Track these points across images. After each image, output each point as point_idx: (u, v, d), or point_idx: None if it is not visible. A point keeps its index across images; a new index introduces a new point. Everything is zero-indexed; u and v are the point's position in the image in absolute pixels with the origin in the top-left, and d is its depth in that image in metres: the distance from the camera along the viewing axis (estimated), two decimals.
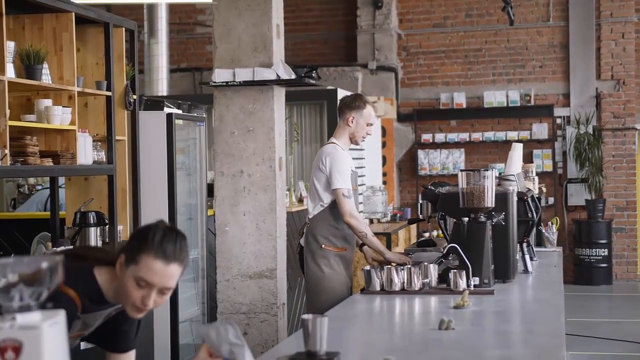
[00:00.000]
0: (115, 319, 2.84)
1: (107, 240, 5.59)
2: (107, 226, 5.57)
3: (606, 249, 12.21)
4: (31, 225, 6.21)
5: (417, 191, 12.91)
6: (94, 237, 5.41)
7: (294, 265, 6.91)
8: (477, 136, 12.72)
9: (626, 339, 8.56)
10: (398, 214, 11.06)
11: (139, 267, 2.57)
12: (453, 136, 12.81)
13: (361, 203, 9.72)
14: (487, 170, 4.41)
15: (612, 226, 12.40)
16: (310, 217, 5.26)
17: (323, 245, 5.16)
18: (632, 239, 12.58)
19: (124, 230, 5.85)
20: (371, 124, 5.29)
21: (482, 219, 4.39)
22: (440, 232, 11.96)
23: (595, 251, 12.19)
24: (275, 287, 5.65)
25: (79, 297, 2.62)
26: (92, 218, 5.41)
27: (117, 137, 5.73)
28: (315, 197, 5.22)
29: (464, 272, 4.20)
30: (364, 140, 5.38)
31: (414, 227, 11.25)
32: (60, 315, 1.78)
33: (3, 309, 1.76)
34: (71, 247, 5.02)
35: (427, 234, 12.13)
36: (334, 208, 5.13)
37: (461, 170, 4.45)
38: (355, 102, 5.27)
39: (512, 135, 12.52)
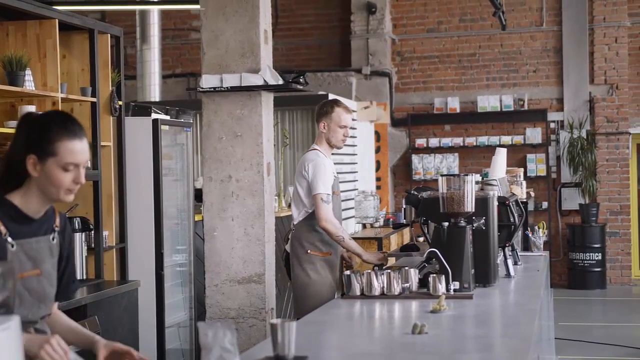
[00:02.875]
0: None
1: (92, 245, 5.60)
2: (92, 232, 5.58)
3: (600, 253, 12.21)
4: None
5: None
6: (79, 242, 5.42)
7: (282, 270, 6.92)
8: (471, 141, 12.73)
9: (619, 344, 8.57)
10: (391, 219, 11.06)
11: (59, 157, 2.65)
12: (447, 141, 12.82)
13: (351, 208, 9.75)
14: (467, 175, 4.42)
15: (606, 230, 12.40)
16: (294, 222, 5.32)
17: (309, 251, 5.21)
18: (626, 243, 12.58)
19: (109, 236, 5.87)
20: (344, 126, 5.31)
21: (462, 223, 4.40)
22: None
23: (589, 255, 12.19)
24: (264, 292, 5.66)
25: None
26: (77, 224, 5.42)
27: (103, 143, 5.75)
28: (298, 203, 5.29)
29: (443, 277, 4.21)
30: (344, 143, 5.39)
31: (407, 231, 11.25)
32: (14, 321, 1.79)
33: None
34: None
35: (421, 239, 12.12)
36: None
37: (441, 175, 4.47)
38: (323, 108, 5.34)
39: (506, 139, 12.54)
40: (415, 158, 12.88)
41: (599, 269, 12.23)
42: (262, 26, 5.85)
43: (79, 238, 5.41)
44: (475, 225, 4.46)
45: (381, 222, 10.47)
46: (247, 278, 5.74)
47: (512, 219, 5.00)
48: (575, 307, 10.97)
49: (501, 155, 5.55)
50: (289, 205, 8.24)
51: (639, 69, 12.65)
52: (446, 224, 4.40)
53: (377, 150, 12.37)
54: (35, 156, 2.66)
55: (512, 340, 3.17)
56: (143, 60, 10.50)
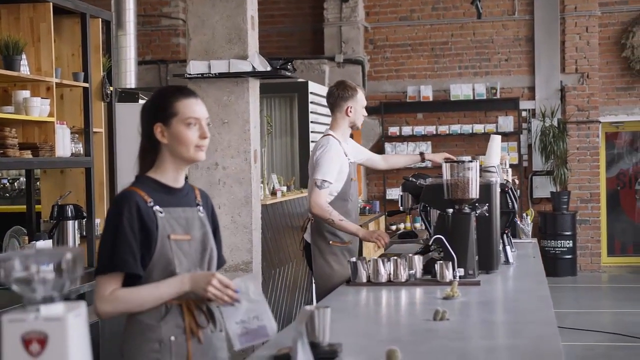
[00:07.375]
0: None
1: (84, 233, 5.52)
2: (84, 219, 5.49)
3: (571, 241, 12.35)
4: (6, 218, 6.13)
5: (384, 184, 12.95)
6: (72, 230, 5.33)
7: (268, 258, 6.89)
8: (443, 129, 12.78)
9: (591, 329, 8.68)
10: (367, 207, 11.09)
11: (180, 114, 2.82)
12: (420, 129, 12.85)
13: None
14: (472, 161, 4.42)
15: (577, 218, 12.54)
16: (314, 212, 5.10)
17: (331, 242, 5.11)
18: (596, 231, 12.74)
19: (101, 224, 5.78)
20: (364, 106, 5.40)
21: (467, 210, 4.40)
22: (409, 224, 12.02)
23: (560, 243, 12.33)
24: None
25: (140, 190, 2.80)
26: (69, 211, 5.33)
27: (94, 129, 5.66)
28: None
29: (450, 263, 4.21)
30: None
31: (382, 219, 11.28)
32: (82, 307, 1.75)
33: (26, 301, 1.73)
34: None
35: (394, 226, 12.17)
36: (338, 202, 5.08)
37: (445, 162, 4.46)
38: (348, 91, 5.29)
39: (479, 128, 12.61)
40: (388, 146, 12.90)
41: (569, 256, 12.37)
42: (249, 12, 5.81)
43: (71, 226, 5.33)
44: (478, 211, 4.46)
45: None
46: (234, 266, 5.71)
47: (510, 205, 5.02)
48: None
49: (496, 142, 5.56)
50: (273, 193, 8.20)
51: (609, 58, 12.78)
52: (451, 210, 4.39)
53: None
54: (161, 122, 2.83)
55: (538, 325, 3.18)
56: (119, 46, 10.35)
